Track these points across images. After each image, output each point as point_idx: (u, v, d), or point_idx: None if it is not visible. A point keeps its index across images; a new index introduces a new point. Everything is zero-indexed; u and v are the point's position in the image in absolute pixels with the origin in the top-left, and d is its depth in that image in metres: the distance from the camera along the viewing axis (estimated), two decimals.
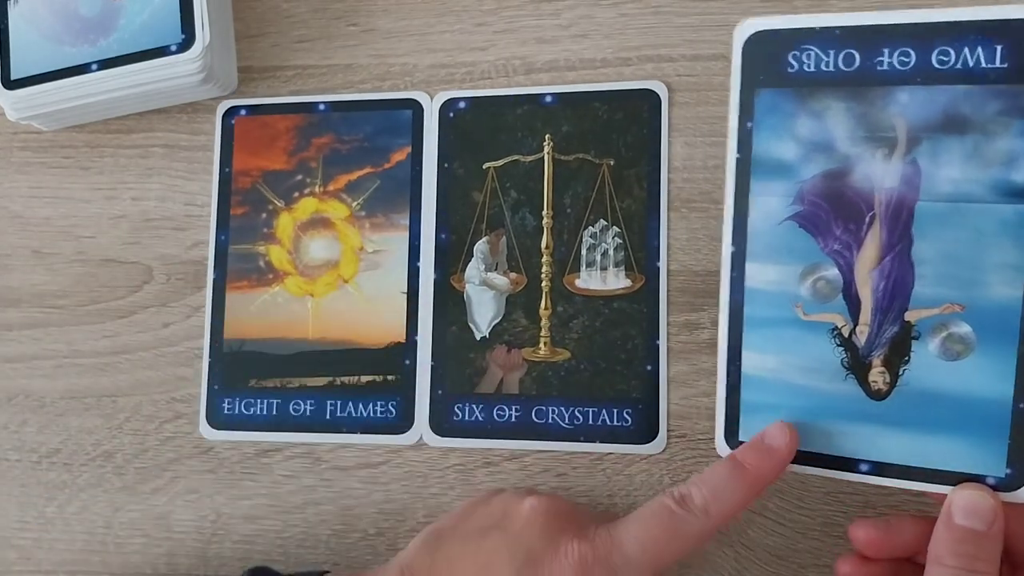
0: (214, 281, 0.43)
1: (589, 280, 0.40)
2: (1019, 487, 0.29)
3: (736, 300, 0.32)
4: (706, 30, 0.41)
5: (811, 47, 0.30)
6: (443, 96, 0.42)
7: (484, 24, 0.43)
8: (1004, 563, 0.30)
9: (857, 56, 0.30)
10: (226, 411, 0.42)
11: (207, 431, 0.42)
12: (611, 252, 0.40)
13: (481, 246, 0.41)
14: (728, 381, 0.32)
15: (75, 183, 0.46)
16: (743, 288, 0.32)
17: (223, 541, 0.42)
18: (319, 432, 0.41)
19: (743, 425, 0.32)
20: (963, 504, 0.29)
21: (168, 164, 0.45)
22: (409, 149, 0.42)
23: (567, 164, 0.41)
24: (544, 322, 0.40)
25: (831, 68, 0.30)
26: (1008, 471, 0.29)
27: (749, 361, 0.32)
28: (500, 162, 0.41)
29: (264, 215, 0.43)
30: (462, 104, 0.42)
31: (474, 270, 0.41)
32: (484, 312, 0.41)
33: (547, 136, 0.41)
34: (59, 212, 0.46)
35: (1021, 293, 0.29)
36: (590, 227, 0.40)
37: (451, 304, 0.41)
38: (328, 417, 0.41)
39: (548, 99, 0.41)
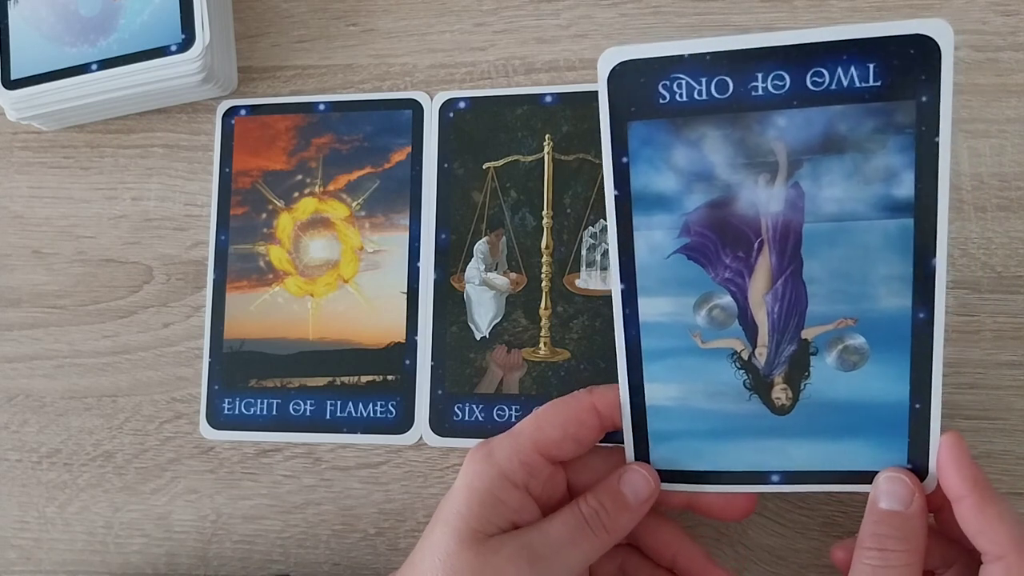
0: (214, 281, 0.43)
1: (589, 280, 0.40)
2: (921, 480, 0.31)
3: (632, 336, 0.32)
4: (706, 30, 0.41)
5: (682, 76, 0.30)
6: (443, 96, 0.42)
7: (484, 24, 0.43)
8: (961, 555, 0.31)
9: (730, 82, 0.29)
10: (226, 411, 0.42)
11: (207, 431, 0.42)
12: None
13: (481, 246, 0.41)
14: (633, 414, 0.33)
15: (75, 183, 0.46)
16: (638, 323, 0.32)
17: (223, 541, 0.42)
18: (319, 432, 0.41)
19: (653, 454, 0.33)
20: (882, 489, 0.30)
21: (168, 164, 0.45)
22: (409, 149, 0.42)
23: (567, 164, 0.41)
24: (544, 322, 0.40)
25: (704, 96, 0.30)
26: (909, 466, 0.31)
27: (653, 392, 0.32)
28: (500, 162, 0.41)
29: (264, 215, 0.43)
30: (462, 104, 0.42)
31: (474, 270, 0.41)
32: (484, 312, 0.41)
33: (547, 136, 0.41)
34: (59, 212, 0.46)
35: (909, 302, 0.30)
36: (590, 227, 0.40)
37: (451, 304, 0.41)
38: (328, 417, 0.41)
39: (548, 99, 0.41)
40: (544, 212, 0.40)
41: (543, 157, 0.41)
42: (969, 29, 0.39)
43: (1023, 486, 0.36)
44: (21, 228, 0.46)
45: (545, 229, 0.40)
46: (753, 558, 0.37)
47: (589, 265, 0.40)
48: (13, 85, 0.43)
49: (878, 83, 0.28)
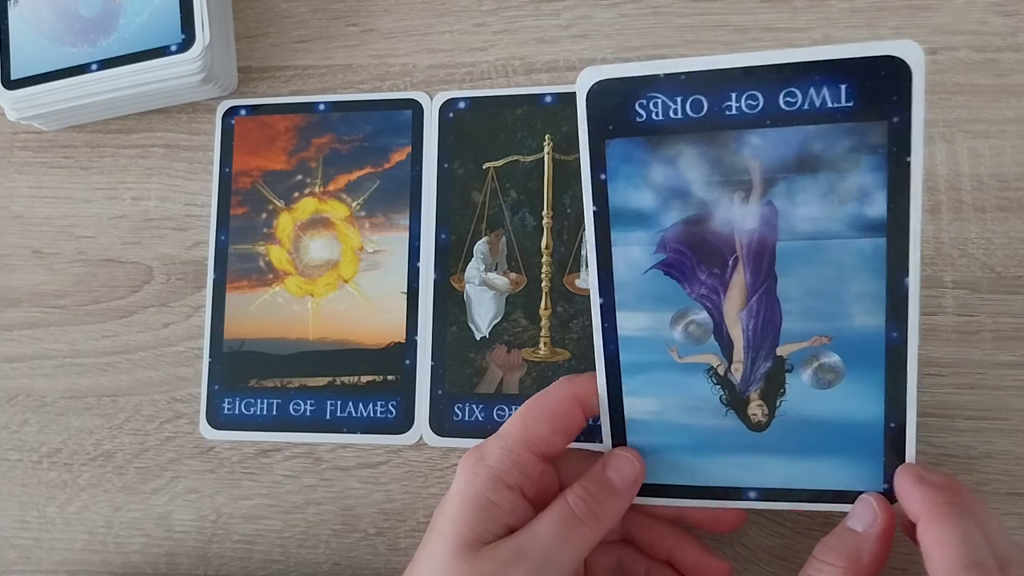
0: (214, 281, 0.43)
1: (589, 280, 0.40)
2: (894, 501, 0.31)
3: (610, 350, 0.32)
4: (705, 30, 0.41)
5: (658, 95, 0.30)
6: (443, 96, 0.42)
7: (484, 24, 0.43)
8: None
9: (705, 102, 0.30)
10: (226, 411, 0.42)
11: (207, 431, 0.42)
12: None
13: (481, 246, 0.41)
14: (612, 428, 0.33)
15: (75, 183, 0.46)
16: (616, 338, 0.32)
17: (223, 541, 0.42)
18: (319, 432, 0.41)
19: None
20: (854, 509, 0.31)
21: (168, 164, 0.45)
22: (409, 149, 0.42)
23: (567, 164, 0.41)
24: (544, 322, 0.40)
25: (680, 115, 0.30)
26: (886, 486, 0.31)
27: (631, 406, 0.33)
28: (500, 162, 0.41)
29: (264, 215, 0.43)
30: (462, 104, 0.42)
31: (474, 270, 0.41)
32: (484, 312, 0.41)
33: (547, 136, 0.41)
34: (59, 212, 0.46)
35: (883, 321, 0.30)
36: None
37: (451, 304, 0.41)
38: (328, 417, 0.41)
39: (548, 99, 0.41)
40: (544, 212, 0.40)
41: (543, 157, 0.41)
42: (969, 29, 0.39)
43: (1023, 486, 0.36)
44: (21, 228, 0.46)
45: (545, 229, 0.40)
46: (753, 558, 0.37)
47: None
48: (13, 85, 0.43)
49: (850, 103, 0.29)
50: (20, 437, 0.44)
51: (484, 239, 0.41)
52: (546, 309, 0.40)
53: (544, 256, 0.40)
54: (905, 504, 0.29)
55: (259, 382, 0.42)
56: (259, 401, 0.42)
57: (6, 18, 0.44)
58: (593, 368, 0.32)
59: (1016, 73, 0.38)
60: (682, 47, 0.41)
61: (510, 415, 0.39)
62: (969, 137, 0.38)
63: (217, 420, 0.42)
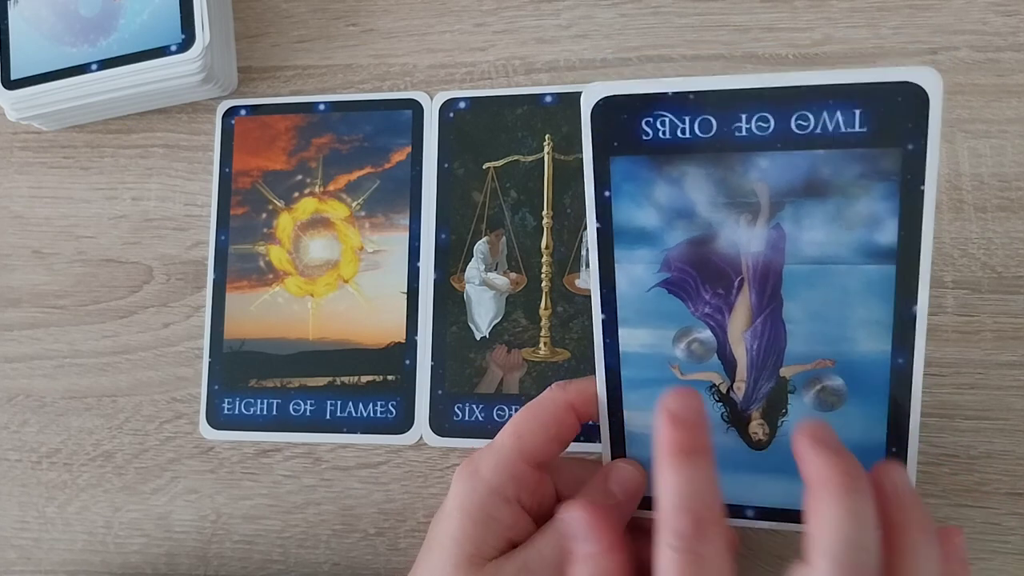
0: (214, 281, 0.43)
1: (589, 280, 0.40)
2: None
3: (612, 364, 0.32)
4: (706, 30, 0.41)
5: (665, 113, 0.29)
6: (443, 96, 0.42)
7: (484, 24, 0.43)
8: None
9: (714, 122, 0.29)
10: (226, 411, 0.42)
11: (207, 431, 0.42)
12: None
13: (481, 246, 0.41)
14: (612, 441, 0.33)
15: (75, 183, 0.46)
16: (618, 353, 0.32)
17: (223, 541, 0.42)
18: (319, 432, 0.41)
19: None
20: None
21: (168, 164, 0.45)
22: (409, 149, 0.42)
23: (567, 164, 0.41)
24: (544, 322, 0.40)
25: (687, 135, 0.29)
26: None
27: (631, 419, 0.32)
28: (500, 162, 0.41)
29: (264, 215, 0.43)
30: (462, 104, 0.42)
31: (474, 270, 0.41)
32: (484, 312, 0.41)
33: (547, 136, 0.41)
34: (59, 212, 0.46)
35: (888, 347, 0.29)
36: None
37: (451, 304, 0.41)
38: (328, 417, 0.41)
39: (548, 99, 0.41)
40: (544, 212, 0.40)
41: (543, 157, 0.41)
42: (969, 29, 0.39)
43: (1023, 486, 0.36)
44: (21, 228, 0.46)
45: (545, 229, 0.40)
46: (753, 559, 0.37)
47: (589, 265, 0.40)
48: (13, 85, 0.43)
49: (864, 129, 0.28)
50: (20, 437, 0.44)
51: (484, 239, 0.41)
52: (546, 309, 0.40)
53: (544, 256, 0.40)
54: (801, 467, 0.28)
55: (259, 382, 0.42)
56: (259, 401, 0.42)
57: (6, 18, 0.44)
58: (592, 370, 0.32)
59: (1017, 73, 0.38)
60: (682, 47, 0.41)
61: (510, 415, 0.39)
62: (970, 137, 0.38)
63: (217, 420, 0.42)
